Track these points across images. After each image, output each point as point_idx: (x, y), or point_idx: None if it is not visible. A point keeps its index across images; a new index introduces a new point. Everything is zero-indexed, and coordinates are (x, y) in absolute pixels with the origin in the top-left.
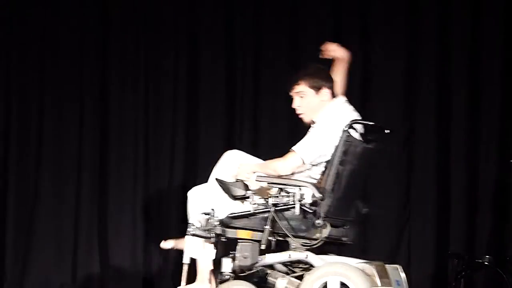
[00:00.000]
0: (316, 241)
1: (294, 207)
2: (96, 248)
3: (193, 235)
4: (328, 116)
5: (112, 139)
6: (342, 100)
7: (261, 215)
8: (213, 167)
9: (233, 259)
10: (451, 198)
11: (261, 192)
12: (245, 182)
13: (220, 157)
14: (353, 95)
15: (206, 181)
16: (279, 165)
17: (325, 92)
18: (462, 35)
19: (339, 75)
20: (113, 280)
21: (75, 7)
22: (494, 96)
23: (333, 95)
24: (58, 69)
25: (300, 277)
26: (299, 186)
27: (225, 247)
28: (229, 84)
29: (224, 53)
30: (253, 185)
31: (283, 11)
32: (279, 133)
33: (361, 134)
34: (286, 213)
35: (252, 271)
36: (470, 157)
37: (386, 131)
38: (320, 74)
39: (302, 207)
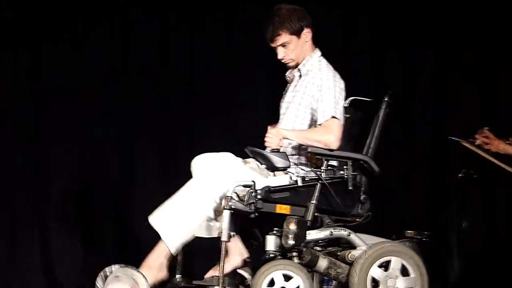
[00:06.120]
0: (361, 218)
1: (341, 182)
2: (38, 245)
3: (233, 209)
4: None
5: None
6: None
7: (305, 189)
8: None
9: (279, 236)
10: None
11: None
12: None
13: None
14: None
15: None
16: (329, 138)
17: (306, 32)
18: None
19: None
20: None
21: None
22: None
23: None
24: None
25: (336, 257)
26: (355, 159)
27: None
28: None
29: None
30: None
31: None
32: None
33: None
34: (331, 188)
35: (298, 250)
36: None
37: None
38: (295, 15)
39: (354, 182)
